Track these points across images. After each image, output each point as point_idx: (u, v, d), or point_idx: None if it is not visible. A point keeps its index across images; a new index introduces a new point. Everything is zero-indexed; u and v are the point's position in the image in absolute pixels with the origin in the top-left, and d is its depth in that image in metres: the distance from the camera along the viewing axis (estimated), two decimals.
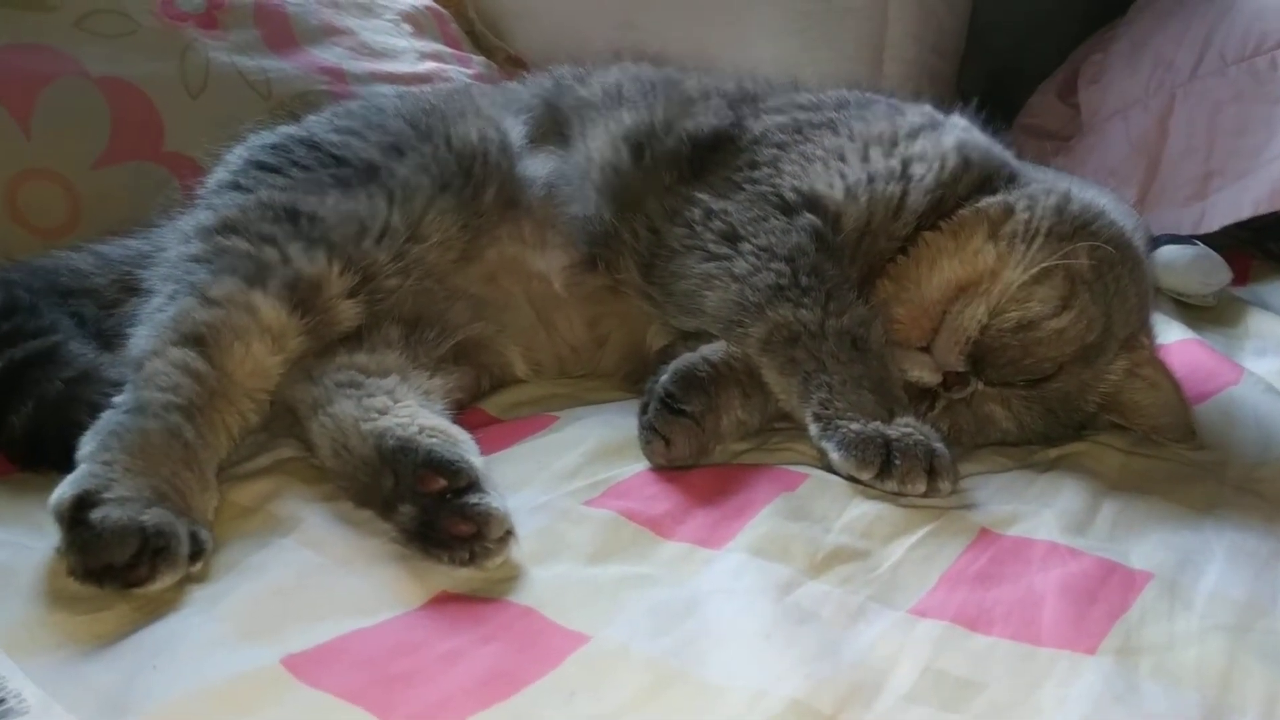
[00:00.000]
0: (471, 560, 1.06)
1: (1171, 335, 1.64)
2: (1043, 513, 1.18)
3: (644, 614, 1.00)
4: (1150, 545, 1.12)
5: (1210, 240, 1.99)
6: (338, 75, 2.14)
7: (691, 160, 1.55)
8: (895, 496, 1.21)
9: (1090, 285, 1.35)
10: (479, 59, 2.57)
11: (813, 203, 1.43)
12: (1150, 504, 1.22)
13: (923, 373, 1.37)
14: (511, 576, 1.07)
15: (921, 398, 1.37)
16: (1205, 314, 1.88)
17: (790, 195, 1.44)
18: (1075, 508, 1.19)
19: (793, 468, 1.28)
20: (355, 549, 1.10)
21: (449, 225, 1.48)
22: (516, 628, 0.98)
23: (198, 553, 1.06)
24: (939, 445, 1.22)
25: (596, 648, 0.95)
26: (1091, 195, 1.44)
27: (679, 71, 1.74)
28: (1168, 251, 1.93)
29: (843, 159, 1.48)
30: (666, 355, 1.54)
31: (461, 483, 1.10)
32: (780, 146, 1.52)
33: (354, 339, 1.37)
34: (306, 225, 1.37)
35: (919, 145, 1.47)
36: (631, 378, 1.59)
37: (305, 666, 0.91)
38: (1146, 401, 1.41)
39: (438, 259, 1.48)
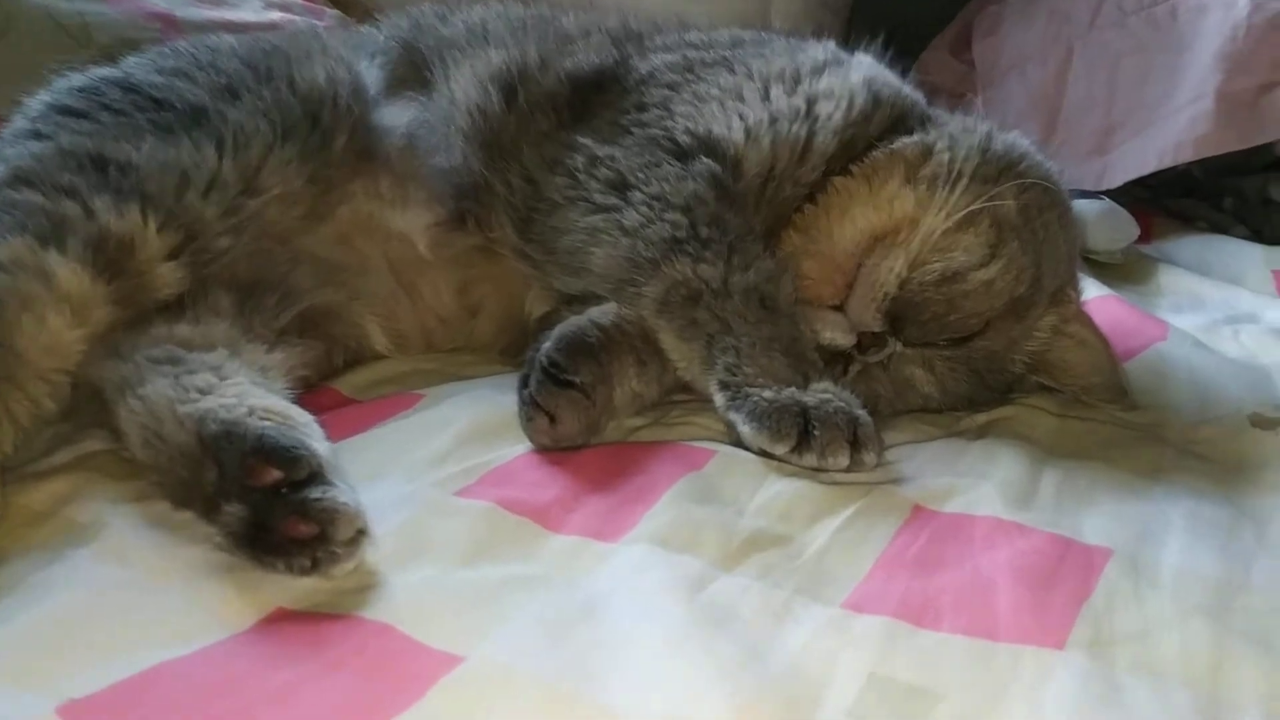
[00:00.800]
0: (314, 568, 0.87)
1: (1089, 292, 1.52)
2: (981, 485, 1.04)
3: (530, 625, 0.82)
4: (1102, 517, 0.99)
5: (1110, 197, 1.90)
6: (169, 21, 1.91)
7: (571, 103, 1.38)
8: (815, 472, 1.05)
9: (1019, 231, 1.21)
10: (333, 12, 2.35)
11: (710, 146, 1.27)
12: (1093, 471, 1.09)
13: (835, 334, 1.22)
14: (366, 586, 0.88)
15: (833, 362, 1.22)
16: (1115, 271, 1.79)
17: (684, 139, 1.28)
18: (1015, 478, 1.05)
19: (696, 444, 1.11)
20: (170, 560, 0.90)
21: (292, 177, 1.28)
22: (369, 651, 0.79)
23: None
24: (861, 413, 1.07)
25: (471, 670, 0.77)
26: (1013, 137, 1.30)
27: (554, 9, 1.56)
28: (1074, 206, 1.83)
29: (740, 98, 1.31)
30: (549, 323, 1.36)
31: (300, 473, 0.90)
32: (671, 86, 1.36)
33: (175, 309, 1.16)
34: (116, 175, 1.15)
35: (824, 82, 1.32)
36: (510, 350, 1.41)
37: (89, 716, 0.71)
38: (1075, 360, 1.28)
39: (278, 216, 1.28)
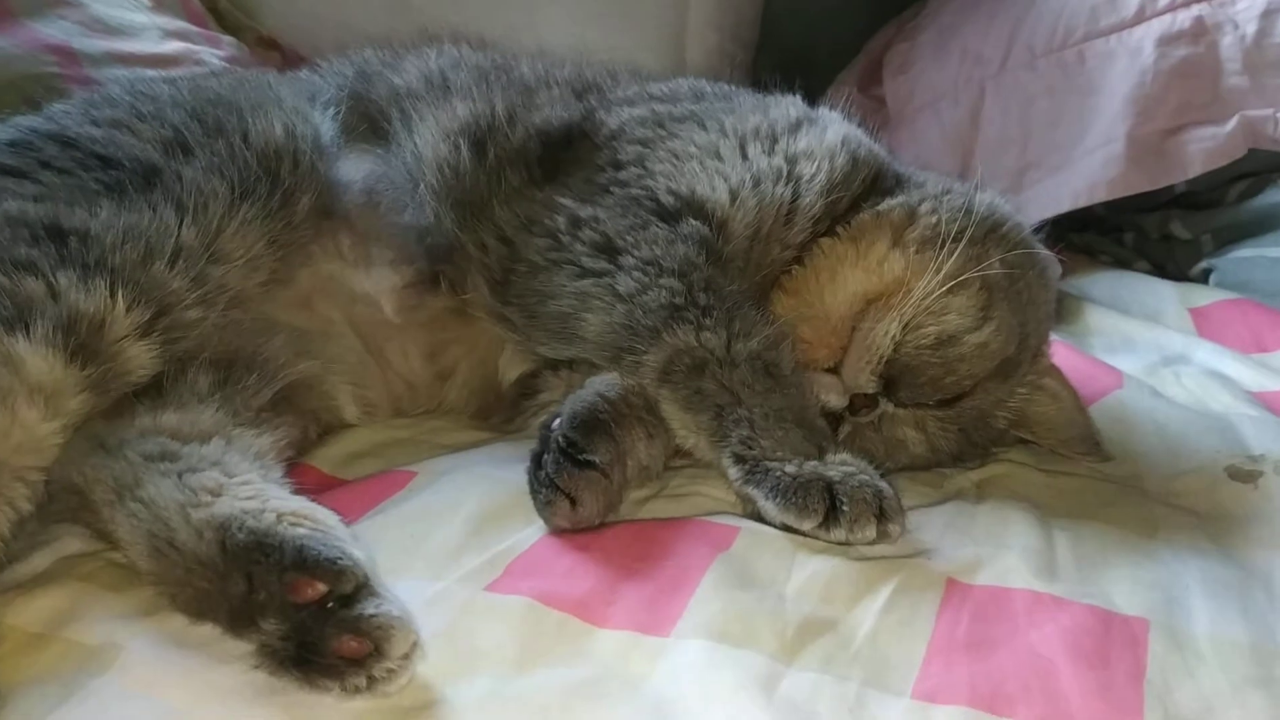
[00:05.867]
0: (369, 687, 0.82)
1: None
2: (1003, 555, 1.05)
3: None
4: (1125, 584, 1.01)
5: None
6: (68, 55, 1.78)
7: (542, 159, 1.34)
8: (842, 546, 1.05)
9: (1006, 293, 1.24)
10: (228, 39, 2.24)
11: (695, 208, 1.25)
12: (1098, 532, 1.12)
13: (829, 396, 1.22)
14: (425, 703, 0.83)
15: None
16: None
17: (667, 199, 1.26)
18: (1033, 545, 1.07)
19: (714, 519, 1.09)
20: (204, 686, 0.83)
21: (253, 241, 1.20)
22: None
23: None
24: (884, 485, 1.07)
25: None
26: (989, 196, 1.33)
27: (506, 56, 1.51)
28: None
29: (719, 157, 1.30)
30: (527, 387, 1.33)
31: (347, 587, 0.85)
32: (644, 143, 1.34)
33: (153, 394, 1.07)
34: (77, 246, 1.06)
35: (802, 141, 1.32)
36: (482, 413, 1.37)
37: None
38: (1051, 414, 1.31)
39: (241, 283, 1.20)
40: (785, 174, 1.28)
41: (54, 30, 1.80)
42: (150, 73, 1.66)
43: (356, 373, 1.32)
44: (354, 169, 1.34)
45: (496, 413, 1.36)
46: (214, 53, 2.11)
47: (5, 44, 1.70)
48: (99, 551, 1.00)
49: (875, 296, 1.22)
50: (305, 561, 0.85)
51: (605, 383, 1.15)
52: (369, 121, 1.39)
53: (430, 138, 1.34)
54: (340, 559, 0.85)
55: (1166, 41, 1.93)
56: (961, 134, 2.13)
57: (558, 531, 1.06)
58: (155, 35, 2.00)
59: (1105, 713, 0.83)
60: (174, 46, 2.01)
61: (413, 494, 1.14)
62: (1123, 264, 2.12)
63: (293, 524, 0.89)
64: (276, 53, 2.37)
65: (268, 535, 0.88)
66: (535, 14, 2.28)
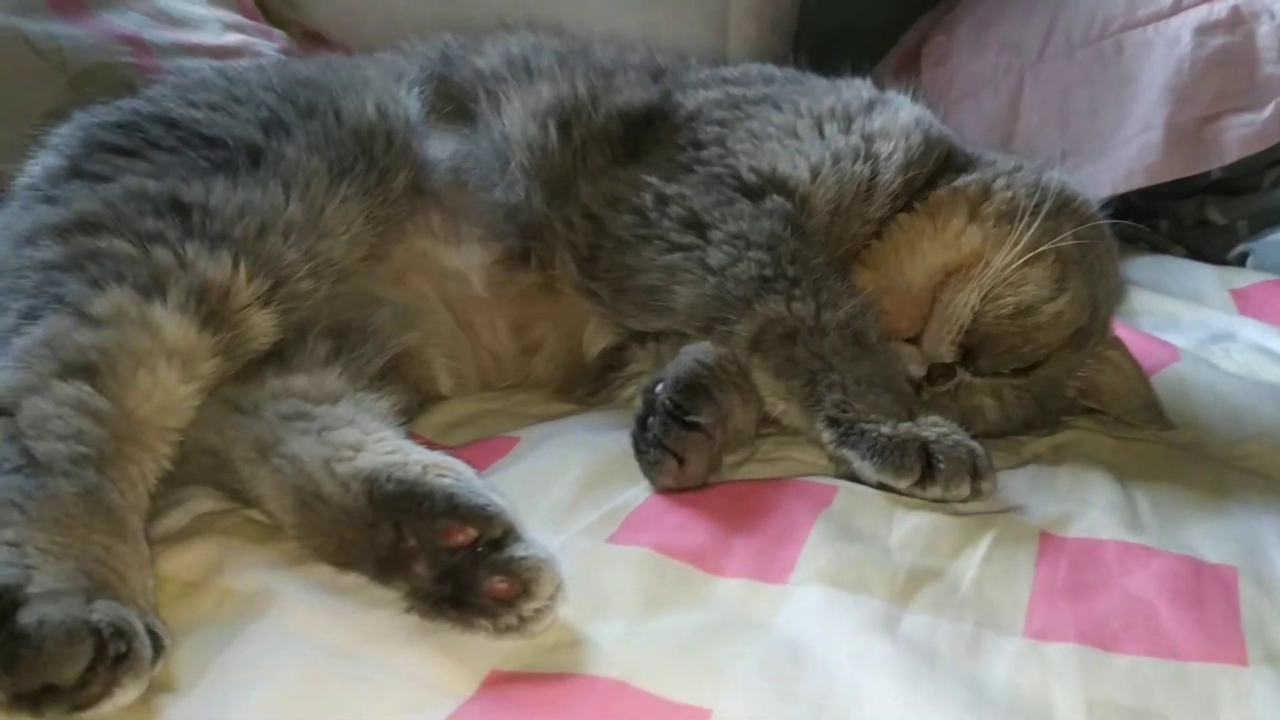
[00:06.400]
0: (520, 626, 0.86)
1: None
2: (1089, 510, 1.10)
3: (753, 673, 0.84)
4: (1208, 537, 1.07)
5: None
6: (140, 45, 1.83)
7: (624, 139, 1.39)
8: (937, 503, 1.10)
9: (1079, 265, 1.30)
10: (279, 32, 2.29)
11: (777, 184, 1.30)
12: (1173, 491, 1.17)
13: (910, 366, 1.27)
14: (569, 642, 0.88)
15: None
16: None
17: (750, 177, 1.31)
18: (1115, 501, 1.12)
19: (810, 479, 1.14)
20: (360, 628, 0.87)
21: (353, 217, 1.24)
22: (616, 709, 0.80)
23: (155, 652, 0.81)
24: (976, 444, 1.12)
25: None
26: (1057, 174, 1.38)
27: (581, 40, 1.56)
28: None
29: (797, 136, 1.36)
30: (612, 359, 1.38)
31: (496, 532, 0.89)
32: (722, 123, 1.39)
33: (276, 362, 1.12)
34: (200, 219, 1.10)
35: (877, 121, 1.37)
36: (566, 387, 1.42)
37: None
38: (1117, 382, 1.37)
39: (345, 258, 1.24)
40: (863, 152, 1.33)
41: (125, 21, 1.84)
42: (196, 63, 1.71)
43: (449, 346, 1.37)
44: (440, 148, 1.38)
45: (580, 386, 1.40)
46: (269, 45, 2.16)
47: (82, 34, 1.74)
48: (234, 510, 1.04)
49: (954, 269, 1.27)
50: (456, 508, 0.90)
51: (702, 350, 1.19)
52: (453, 102, 1.43)
53: (518, 118, 1.39)
54: (489, 505, 0.90)
55: (1203, 30, 1.99)
56: (1001, 122, 2.18)
57: (663, 490, 1.10)
58: (216, 27, 2.05)
59: (1209, 648, 0.88)
60: (233, 39, 2.05)
61: (519, 458, 1.19)
62: (1159, 250, 2.17)
63: (439, 475, 0.94)
64: (323, 47, 2.42)
65: (417, 485, 0.92)
66: (581, 4, 2.32)
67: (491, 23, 1.72)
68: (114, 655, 0.76)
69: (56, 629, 0.75)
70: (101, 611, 0.78)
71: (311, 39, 2.44)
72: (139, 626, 0.79)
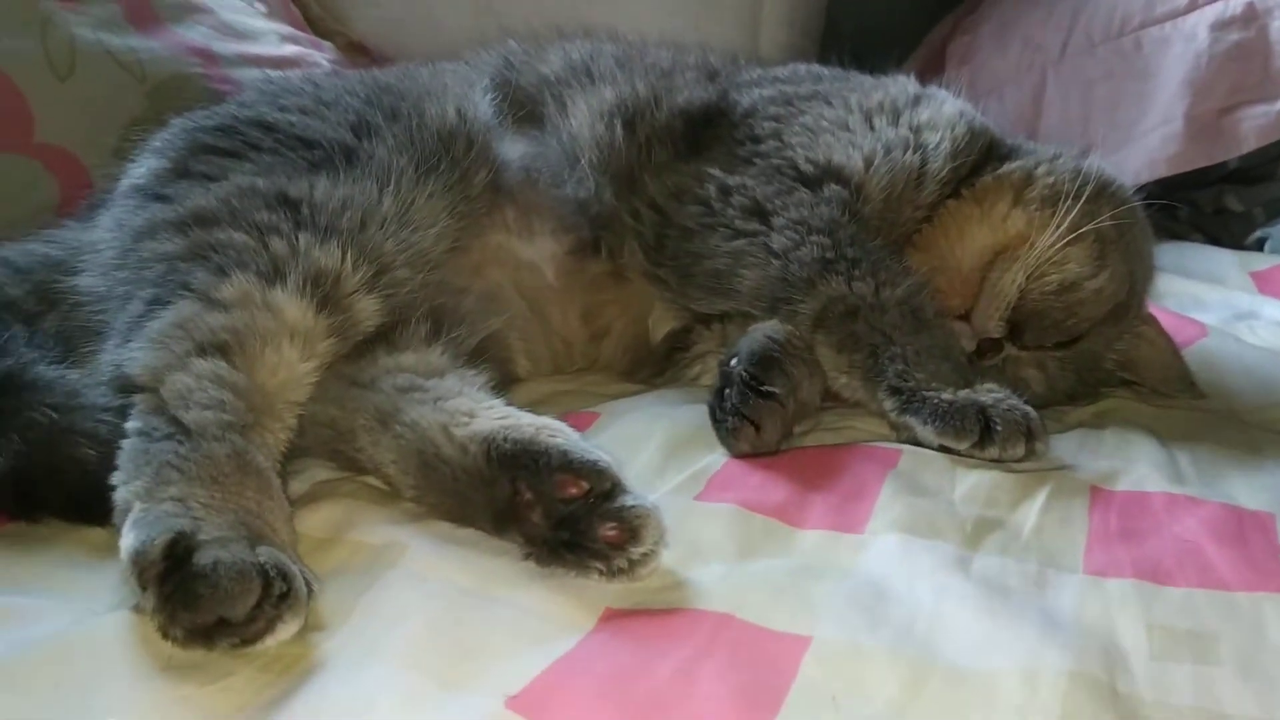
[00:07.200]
0: (630, 569, 0.95)
1: None
2: (1135, 466, 1.19)
3: (845, 607, 0.92)
4: (1245, 487, 1.15)
5: None
6: (209, 57, 1.93)
7: (685, 135, 1.48)
8: (994, 463, 1.19)
9: (1117, 245, 1.39)
10: (328, 44, 2.39)
11: (833, 174, 1.40)
12: (1211, 449, 1.26)
13: (961, 341, 1.36)
14: (673, 584, 0.96)
15: None
16: None
17: (807, 167, 1.40)
18: (1159, 458, 1.21)
19: (876, 445, 1.23)
20: (485, 573, 0.96)
21: (439, 212, 1.33)
22: (723, 638, 0.88)
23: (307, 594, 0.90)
24: (1030, 409, 1.21)
25: (826, 648, 0.87)
26: (1093, 160, 1.47)
27: (636, 44, 1.66)
28: None
29: (848, 129, 1.45)
30: (678, 341, 1.47)
31: (605, 485, 0.98)
32: (776, 119, 1.48)
33: (384, 343, 1.21)
34: (308, 213, 1.19)
35: (924, 114, 1.46)
36: (633, 370, 1.51)
37: (535, 707, 0.79)
38: (1151, 355, 1.46)
39: (433, 250, 1.33)
40: (912, 143, 1.42)
41: (194, 34, 1.94)
42: (257, 73, 1.82)
43: (523, 332, 1.46)
44: (511, 149, 1.48)
45: (645, 367, 1.50)
46: (321, 55, 2.26)
47: (158, 47, 1.84)
48: (350, 478, 1.14)
49: (1001, 250, 1.37)
50: (570, 464, 0.99)
51: (771, 327, 1.29)
52: (520, 106, 1.53)
53: (585, 119, 1.48)
54: (599, 461, 0.99)
55: (1219, 26, 2.08)
56: (1025, 117, 2.27)
57: (740, 455, 1.19)
58: (274, 39, 2.15)
59: (1254, 579, 0.97)
60: (291, 50, 2.16)
61: (601, 430, 1.28)
62: (1179, 238, 2.26)
63: (551, 435, 1.02)
64: (366, 57, 2.52)
65: (532, 444, 1.01)
66: (616, 11, 2.41)
67: (526, 31, 1.81)
68: (278, 594, 0.85)
69: (229, 569, 0.84)
70: (265, 555, 0.87)
71: (355, 49, 2.54)
72: (297, 570, 0.88)
